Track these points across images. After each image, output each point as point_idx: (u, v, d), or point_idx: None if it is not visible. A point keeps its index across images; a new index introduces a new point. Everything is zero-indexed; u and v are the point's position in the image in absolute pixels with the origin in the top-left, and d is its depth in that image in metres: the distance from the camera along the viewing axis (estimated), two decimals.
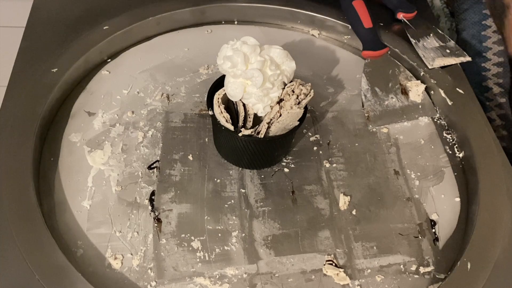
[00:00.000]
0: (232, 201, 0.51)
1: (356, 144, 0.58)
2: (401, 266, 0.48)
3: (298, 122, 0.50)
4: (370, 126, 0.60)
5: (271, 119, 0.49)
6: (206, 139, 0.57)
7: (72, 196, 0.50)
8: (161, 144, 0.55)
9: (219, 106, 0.49)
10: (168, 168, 0.53)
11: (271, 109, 0.49)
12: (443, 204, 0.54)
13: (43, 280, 0.42)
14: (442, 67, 0.65)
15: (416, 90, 0.63)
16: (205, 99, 0.51)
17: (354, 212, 0.52)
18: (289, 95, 0.49)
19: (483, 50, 0.74)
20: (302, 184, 0.54)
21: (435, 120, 0.62)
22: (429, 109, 0.63)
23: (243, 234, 0.49)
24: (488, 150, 0.56)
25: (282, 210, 0.51)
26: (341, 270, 0.47)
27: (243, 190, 0.52)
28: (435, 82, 0.63)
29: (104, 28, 0.63)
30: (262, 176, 0.54)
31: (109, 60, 0.63)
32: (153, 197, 0.51)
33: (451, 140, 0.60)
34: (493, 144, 0.56)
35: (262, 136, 0.49)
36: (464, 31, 0.76)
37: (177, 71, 0.63)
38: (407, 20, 0.71)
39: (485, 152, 0.55)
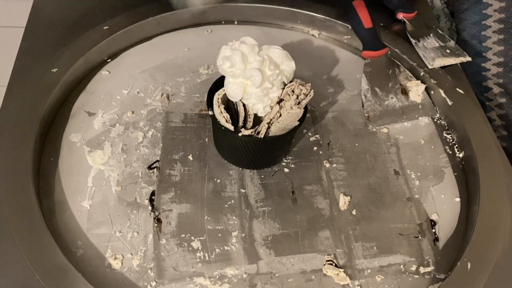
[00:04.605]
0: (232, 201, 0.51)
1: (356, 144, 0.58)
2: (401, 266, 0.48)
3: (298, 122, 0.50)
4: (370, 126, 0.60)
5: (271, 119, 0.49)
6: (206, 139, 0.57)
7: (72, 196, 0.50)
8: (161, 144, 0.55)
9: (219, 106, 0.49)
10: (168, 168, 0.53)
11: (271, 109, 0.49)
12: (443, 204, 0.53)
13: (43, 280, 0.42)
14: (442, 67, 0.65)
15: (416, 90, 0.63)
16: (205, 99, 0.51)
17: (354, 212, 0.52)
18: (289, 95, 0.49)
19: (483, 50, 0.74)
20: (302, 184, 0.54)
21: (435, 120, 0.62)
22: (429, 109, 0.63)
23: (243, 234, 0.49)
24: (488, 150, 0.56)
25: (282, 210, 0.51)
26: (341, 270, 0.47)
27: (243, 190, 0.52)
28: (435, 82, 0.63)
29: (104, 28, 0.63)
30: (262, 176, 0.54)
31: (109, 60, 0.63)
32: (153, 197, 0.51)
33: (451, 140, 0.60)
34: (493, 144, 0.56)
35: (262, 136, 0.49)
36: (464, 31, 0.76)
37: (177, 71, 0.63)
38: (407, 20, 0.71)
39: (485, 152, 0.55)
